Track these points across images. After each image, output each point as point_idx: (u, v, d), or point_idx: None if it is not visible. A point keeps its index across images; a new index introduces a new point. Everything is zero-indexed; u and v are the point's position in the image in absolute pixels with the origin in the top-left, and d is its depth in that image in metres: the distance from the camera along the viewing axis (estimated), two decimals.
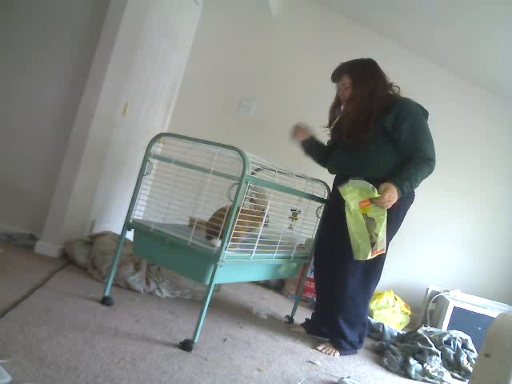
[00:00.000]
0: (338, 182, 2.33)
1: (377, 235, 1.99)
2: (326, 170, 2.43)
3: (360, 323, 2.24)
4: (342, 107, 2.29)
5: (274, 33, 3.50)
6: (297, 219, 2.36)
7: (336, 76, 2.25)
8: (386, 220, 2.01)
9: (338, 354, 2.17)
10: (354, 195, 2.01)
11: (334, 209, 2.32)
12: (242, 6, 3.41)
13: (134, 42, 2.69)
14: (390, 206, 2.01)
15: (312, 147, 2.47)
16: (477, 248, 3.47)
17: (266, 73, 3.51)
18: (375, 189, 1.98)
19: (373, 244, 1.99)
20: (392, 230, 2.15)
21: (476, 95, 3.44)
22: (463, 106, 3.45)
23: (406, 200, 2.16)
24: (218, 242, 1.80)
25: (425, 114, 2.20)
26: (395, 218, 2.14)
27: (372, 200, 2.00)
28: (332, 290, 2.26)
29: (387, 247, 2.19)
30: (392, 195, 1.99)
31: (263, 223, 2.03)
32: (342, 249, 2.16)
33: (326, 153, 2.43)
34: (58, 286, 2.10)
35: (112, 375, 1.41)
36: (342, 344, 2.20)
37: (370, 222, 2.00)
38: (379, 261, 2.15)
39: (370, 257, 2.01)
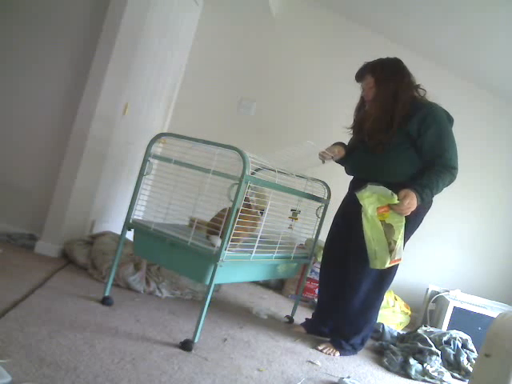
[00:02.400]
0: (355, 184, 2.24)
1: (395, 242, 1.92)
2: (329, 169, 2.44)
3: (368, 328, 2.22)
4: (367, 107, 2.24)
5: (273, 33, 3.50)
6: (297, 219, 2.36)
7: (359, 75, 2.20)
8: (404, 227, 1.95)
9: (338, 353, 2.17)
10: (371, 200, 1.94)
11: (348, 209, 2.28)
12: (241, 6, 3.41)
13: (134, 42, 2.69)
14: (409, 213, 1.95)
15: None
16: (477, 248, 3.47)
17: (266, 73, 3.51)
18: (394, 195, 1.93)
19: (391, 251, 1.92)
20: (407, 236, 2.09)
21: (476, 95, 3.44)
22: (463, 106, 3.44)
23: (424, 206, 2.10)
24: (218, 241, 1.80)
25: (450, 120, 2.13)
26: (412, 224, 2.08)
27: (390, 206, 1.94)
28: (337, 291, 2.25)
29: None
30: (412, 202, 1.93)
31: (263, 223, 2.03)
32: (358, 251, 2.09)
33: None
34: (58, 286, 2.10)
35: (112, 375, 1.41)
36: (343, 345, 2.19)
37: (389, 229, 1.93)
38: (395, 266, 2.09)
39: (388, 265, 1.95)
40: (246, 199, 1.98)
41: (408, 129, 2.05)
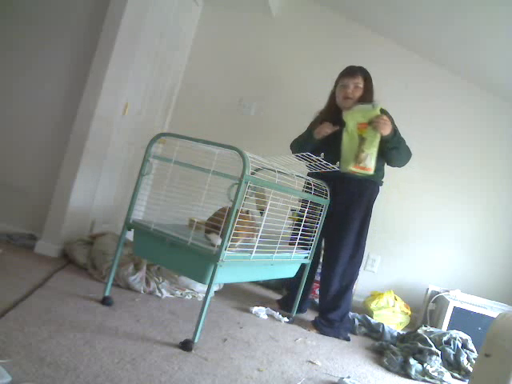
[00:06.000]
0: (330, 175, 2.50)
1: (363, 151, 2.24)
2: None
3: (344, 301, 2.43)
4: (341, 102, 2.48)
5: (274, 33, 3.49)
6: (297, 219, 2.35)
7: (353, 72, 2.44)
8: (377, 143, 2.24)
9: (315, 331, 2.42)
10: (355, 116, 2.27)
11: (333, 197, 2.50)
12: (241, 7, 3.41)
13: (134, 42, 2.69)
14: (382, 130, 2.22)
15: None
16: (477, 248, 3.47)
17: (266, 73, 3.50)
18: (377, 107, 2.25)
19: (357, 157, 2.24)
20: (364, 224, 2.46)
21: (476, 95, 3.44)
22: (463, 105, 3.45)
23: (373, 189, 2.47)
24: (218, 240, 1.80)
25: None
26: (367, 202, 2.45)
27: (369, 123, 2.24)
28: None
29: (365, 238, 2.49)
30: (388, 122, 2.23)
31: (263, 223, 2.03)
32: (337, 225, 2.45)
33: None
34: (58, 286, 2.10)
35: (112, 375, 1.41)
36: (316, 321, 2.46)
37: (363, 141, 2.26)
38: (363, 238, 2.46)
39: (351, 168, 2.24)
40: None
41: None
